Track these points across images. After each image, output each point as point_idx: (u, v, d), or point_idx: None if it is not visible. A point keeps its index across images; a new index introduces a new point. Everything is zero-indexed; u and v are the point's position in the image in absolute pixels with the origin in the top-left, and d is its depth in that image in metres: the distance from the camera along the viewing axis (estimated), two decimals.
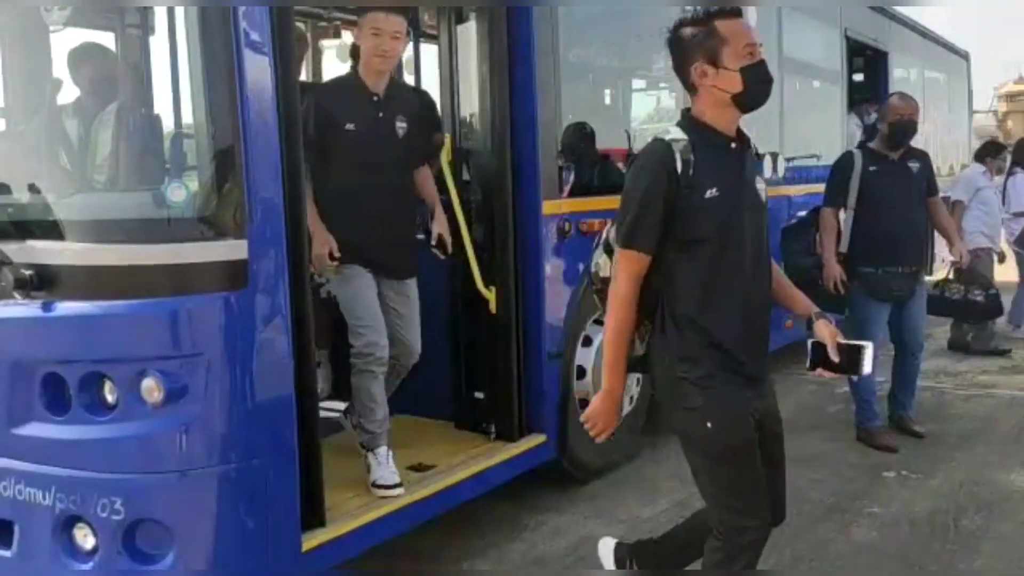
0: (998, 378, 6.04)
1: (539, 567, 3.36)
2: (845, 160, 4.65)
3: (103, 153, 2.80)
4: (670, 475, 4.09)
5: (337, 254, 3.12)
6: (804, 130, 6.50)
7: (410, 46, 5.38)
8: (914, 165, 4.55)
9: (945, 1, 12.38)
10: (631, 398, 4.21)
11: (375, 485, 3.18)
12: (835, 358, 2.24)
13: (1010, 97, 41.55)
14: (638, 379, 4.21)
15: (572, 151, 3.98)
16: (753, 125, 5.75)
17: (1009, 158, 7.30)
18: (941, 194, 4.90)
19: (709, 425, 2.18)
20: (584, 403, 4.02)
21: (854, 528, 3.64)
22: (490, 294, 3.64)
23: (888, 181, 4.48)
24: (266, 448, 2.57)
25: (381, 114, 3.30)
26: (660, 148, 2.16)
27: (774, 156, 5.37)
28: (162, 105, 2.72)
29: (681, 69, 2.23)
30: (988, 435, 4.76)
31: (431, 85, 4.80)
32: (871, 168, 4.50)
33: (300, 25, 5.04)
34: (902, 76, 8.03)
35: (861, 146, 4.76)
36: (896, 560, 3.37)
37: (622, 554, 2.77)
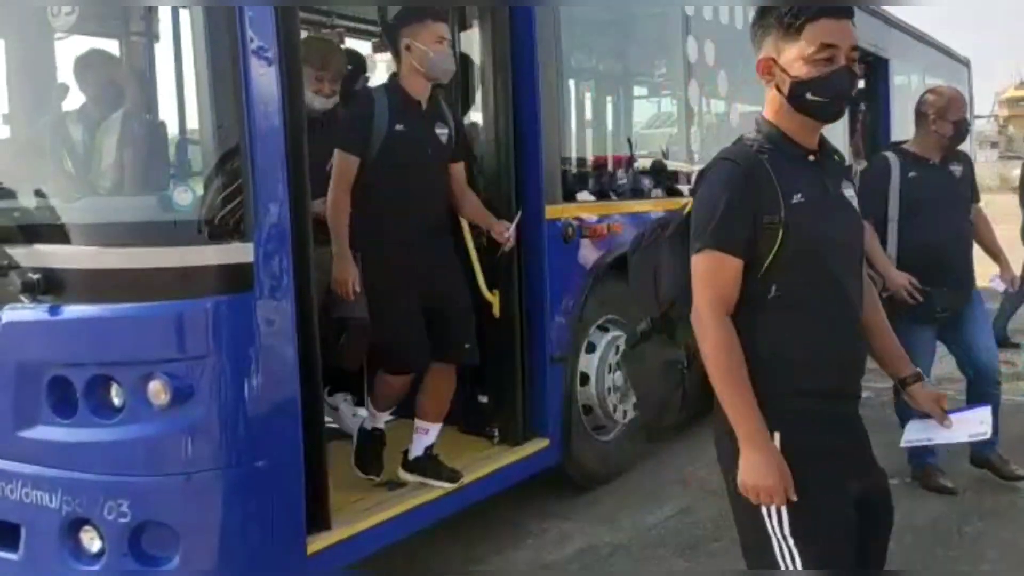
0: (1002, 384, 6.02)
1: (545, 574, 3.36)
2: (879, 167, 3.95)
3: (109, 158, 2.81)
4: (673, 481, 4.10)
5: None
6: None
7: None
8: (956, 169, 3.91)
9: (940, 1, 12.41)
10: (633, 404, 4.21)
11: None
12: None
13: (1012, 102, 41.65)
14: None
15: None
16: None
17: None
18: None
19: None
20: (588, 409, 4.02)
21: None
22: (493, 298, 3.64)
23: (930, 189, 3.83)
24: (271, 450, 2.58)
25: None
26: None
27: None
28: (168, 110, 2.73)
29: None
30: None
31: None
32: (910, 175, 3.84)
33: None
34: (903, 83, 8.05)
35: (894, 148, 4.04)
36: (899, 567, 3.36)
37: None
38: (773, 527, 1.84)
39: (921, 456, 4.11)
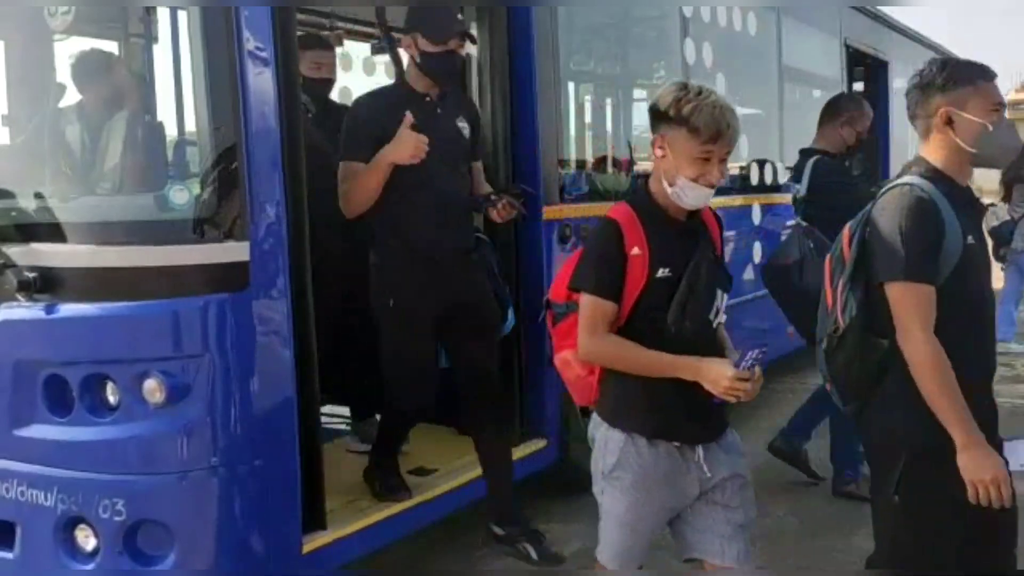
0: (998, 387, 5.97)
1: (543, 574, 3.35)
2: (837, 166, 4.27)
3: (106, 157, 2.82)
4: None
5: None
6: (803, 139, 6.52)
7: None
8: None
9: (940, 2, 12.47)
10: None
11: None
12: None
13: (1013, 105, 41.71)
14: None
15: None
16: (752, 134, 5.80)
17: None
18: None
19: None
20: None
21: (856, 536, 3.63)
22: None
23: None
24: (267, 450, 2.59)
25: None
26: None
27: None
28: (165, 109, 2.74)
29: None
30: None
31: None
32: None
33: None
34: (902, 86, 8.06)
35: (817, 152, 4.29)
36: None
37: None
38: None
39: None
